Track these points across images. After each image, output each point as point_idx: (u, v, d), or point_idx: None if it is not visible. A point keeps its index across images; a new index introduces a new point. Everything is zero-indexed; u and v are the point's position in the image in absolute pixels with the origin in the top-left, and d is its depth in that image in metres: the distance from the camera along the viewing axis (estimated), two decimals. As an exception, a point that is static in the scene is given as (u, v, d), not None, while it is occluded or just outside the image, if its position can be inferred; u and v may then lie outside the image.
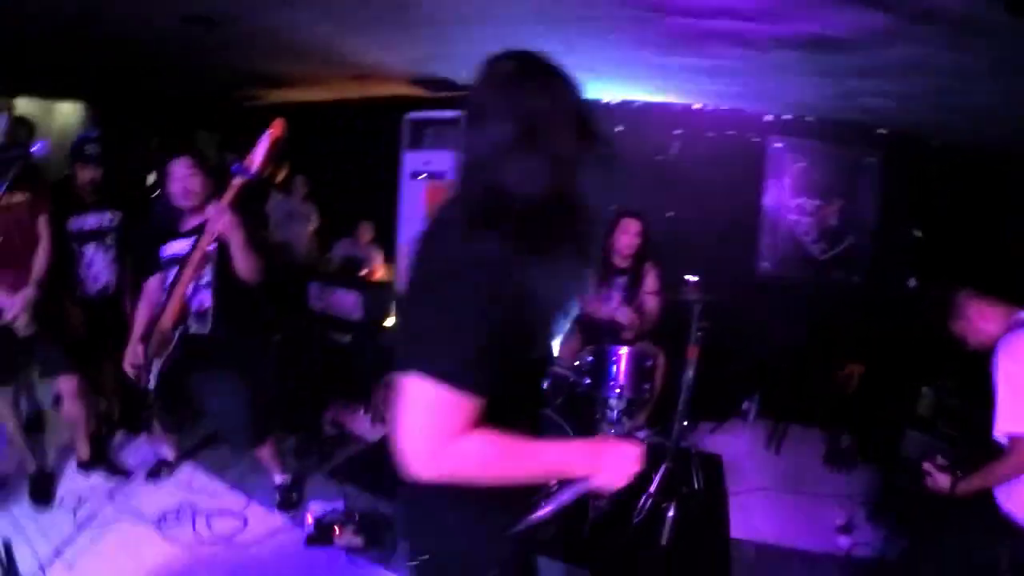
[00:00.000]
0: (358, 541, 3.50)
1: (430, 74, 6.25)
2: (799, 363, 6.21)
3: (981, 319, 2.87)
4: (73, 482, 3.98)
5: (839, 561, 3.99)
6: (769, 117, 6.45)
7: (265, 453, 3.86)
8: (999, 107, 4.59)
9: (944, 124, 5.58)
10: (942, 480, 2.82)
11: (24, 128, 5.62)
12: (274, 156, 3.28)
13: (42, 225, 3.77)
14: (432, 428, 1.25)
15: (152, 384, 3.41)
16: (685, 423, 4.49)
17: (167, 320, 3.33)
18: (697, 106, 6.47)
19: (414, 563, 1.57)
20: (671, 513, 3.80)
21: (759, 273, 6.71)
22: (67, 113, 8.40)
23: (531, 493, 1.58)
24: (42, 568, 3.16)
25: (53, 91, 8.08)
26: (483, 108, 1.38)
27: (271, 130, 3.19)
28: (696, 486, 4.45)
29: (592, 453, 1.47)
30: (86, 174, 4.20)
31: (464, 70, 5.99)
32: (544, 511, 1.52)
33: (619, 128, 6.51)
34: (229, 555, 3.42)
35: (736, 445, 5.68)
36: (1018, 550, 2.63)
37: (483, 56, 4.53)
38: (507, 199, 1.31)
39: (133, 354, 3.43)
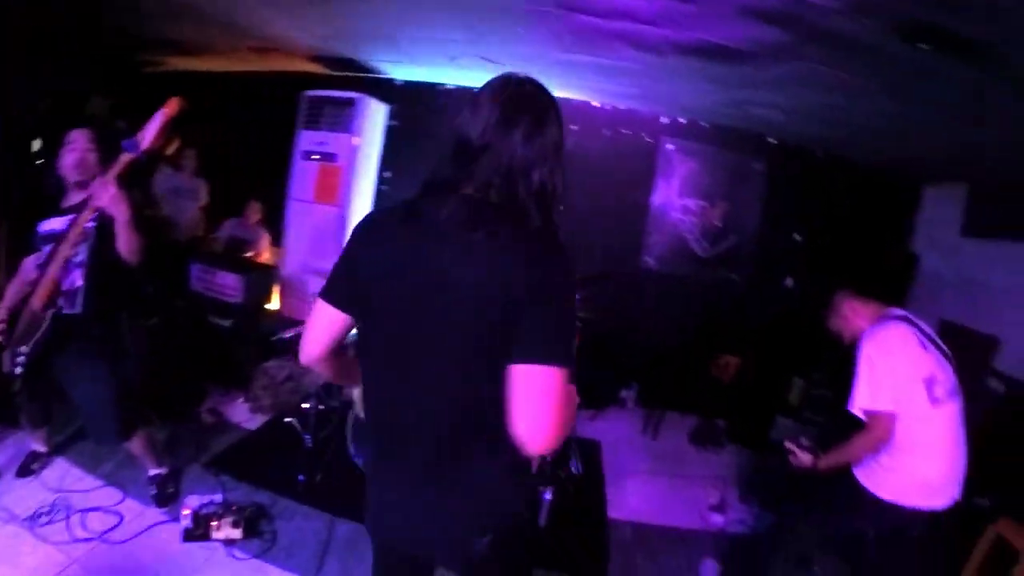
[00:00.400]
0: (236, 533, 3.40)
1: (333, 52, 6.10)
2: (678, 354, 6.49)
3: (855, 316, 3.17)
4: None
5: (713, 537, 4.22)
6: (664, 119, 6.62)
7: (137, 446, 3.64)
8: (880, 125, 4.84)
9: (829, 137, 5.86)
10: (805, 458, 3.04)
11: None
12: (166, 134, 3.13)
13: None
14: (566, 408, 1.52)
15: (19, 370, 3.18)
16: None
17: (38, 300, 3.11)
18: (596, 104, 6.57)
19: (484, 542, 1.70)
20: (548, 496, 3.86)
21: (644, 268, 6.87)
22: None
23: None
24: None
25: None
26: (526, 125, 1.58)
27: (166, 108, 3.03)
28: (574, 471, 4.60)
29: None
30: None
31: (367, 51, 5.92)
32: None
33: None
34: (105, 553, 3.25)
35: (615, 431, 5.86)
36: (879, 522, 2.98)
37: (386, 38, 4.42)
38: (548, 206, 1.61)
39: None
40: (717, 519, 4.41)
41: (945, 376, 2.92)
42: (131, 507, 3.62)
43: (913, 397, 2.83)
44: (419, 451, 1.68)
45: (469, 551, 1.71)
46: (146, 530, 3.44)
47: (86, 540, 3.31)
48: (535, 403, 1.47)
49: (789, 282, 6.76)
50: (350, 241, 1.70)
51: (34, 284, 3.15)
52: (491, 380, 1.51)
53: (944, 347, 3.05)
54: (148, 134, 3.01)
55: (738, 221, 6.77)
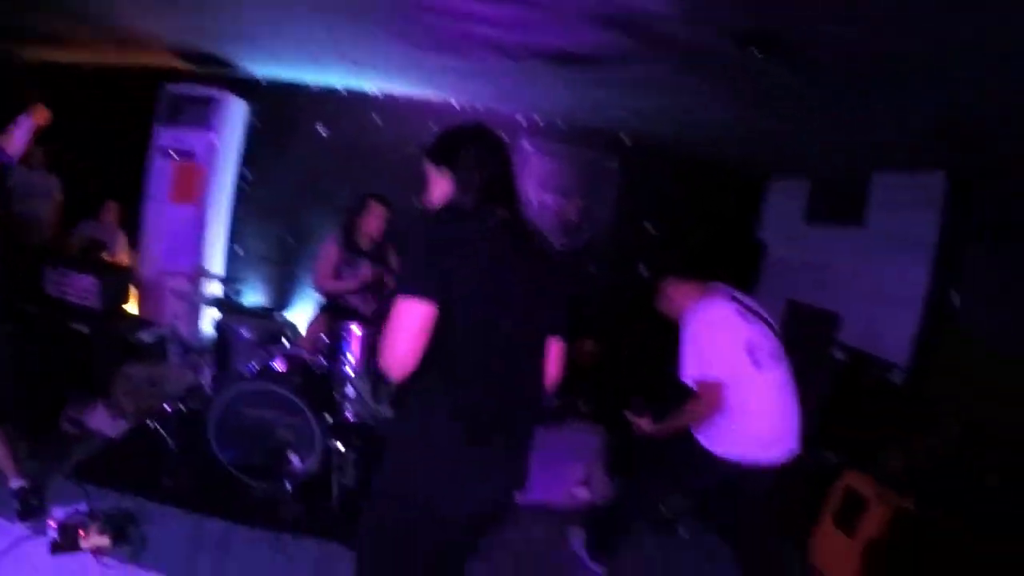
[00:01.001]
0: (104, 541, 3.34)
1: (194, 47, 5.96)
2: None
3: (678, 296, 3.46)
4: None
5: (580, 512, 4.46)
6: (522, 119, 6.88)
7: None
8: (724, 125, 5.24)
9: (680, 136, 6.24)
10: (644, 423, 3.45)
11: None
12: (31, 141, 3.08)
13: None
14: None
15: None
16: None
17: None
18: (456, 104, 6.70)
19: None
20: None
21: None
22: None
23: None
24: None
25: None
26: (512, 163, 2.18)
27: (34, 117, 2.98)
28: None
29: None
30: None
31: (228, 47, 5.87)
32: None
33: (378, 120, 6.71)
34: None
35: None
36: (721, 477, 3.31)
37: (247, 35, 4.44)
38: None
39: None
40: (583, 493, 4.66)
41: (767, 342, 3.23)
42: (-7, 524, 3.51)
43: (737, 364, 3.13)
44: (512, 429, 2.09)
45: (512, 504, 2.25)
46: (12, 546, 3.33)
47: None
48: (562, 362, 2.18)
49: (643, 271, 7.08)
50: (435, 242, 1.88)
51: None
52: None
53: (766, 316, 3.37)
54: (16, 141, 2.95)
55: (594, 216, 7.13)
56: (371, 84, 6.49)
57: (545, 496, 4.55)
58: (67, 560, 3.27)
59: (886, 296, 5.23)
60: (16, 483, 3.60)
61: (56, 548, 3.29)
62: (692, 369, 3.17)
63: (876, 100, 3.75)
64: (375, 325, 4.74)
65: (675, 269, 3.60)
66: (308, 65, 5.99)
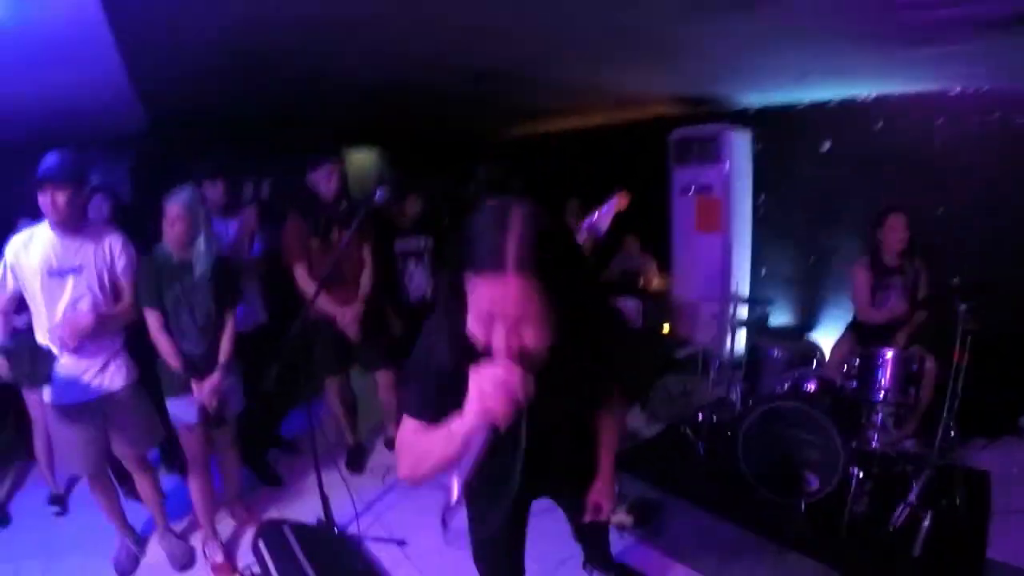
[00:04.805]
0: (628, 520, 4.00)
1: (690, 93, 6.64)
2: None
3: None
4: (382, 456, 5.10)
5: None
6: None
7: None
8: None
9: None
10: None
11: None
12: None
13: (367, 253, 4.79)
14: None
15: None
16: (952, 435, 4.46)
17: None
18: (955, 92, 5.94)
19: None
20: (926, 523, 3.70)
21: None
22: (362, 157, 9.89)
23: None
24: (356, 519, 4.16)
25: (357, 143, 9.74)
26: None
27: (618, 201, 3.74)
28: (957, 501, 4.18)
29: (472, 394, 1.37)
30: (413, 207, 5.29)
31: (723, 85, 6.37)
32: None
33: (878, 125, 6.37)
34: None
35: (1010, 464, 4.96)
36: None
37: (738, 70, 4.73)
38: None
39: None
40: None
41: None
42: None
43: None
44: None
45: None
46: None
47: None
48: None
49: None
50: None
51: None
52: None
53: None
54: (604, 221, 3.78)
55: None
56: (861, 90, 6.31)
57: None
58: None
59: None
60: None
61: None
62: None
63: None
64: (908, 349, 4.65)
65: None
66: (794, 85, 6.11)
